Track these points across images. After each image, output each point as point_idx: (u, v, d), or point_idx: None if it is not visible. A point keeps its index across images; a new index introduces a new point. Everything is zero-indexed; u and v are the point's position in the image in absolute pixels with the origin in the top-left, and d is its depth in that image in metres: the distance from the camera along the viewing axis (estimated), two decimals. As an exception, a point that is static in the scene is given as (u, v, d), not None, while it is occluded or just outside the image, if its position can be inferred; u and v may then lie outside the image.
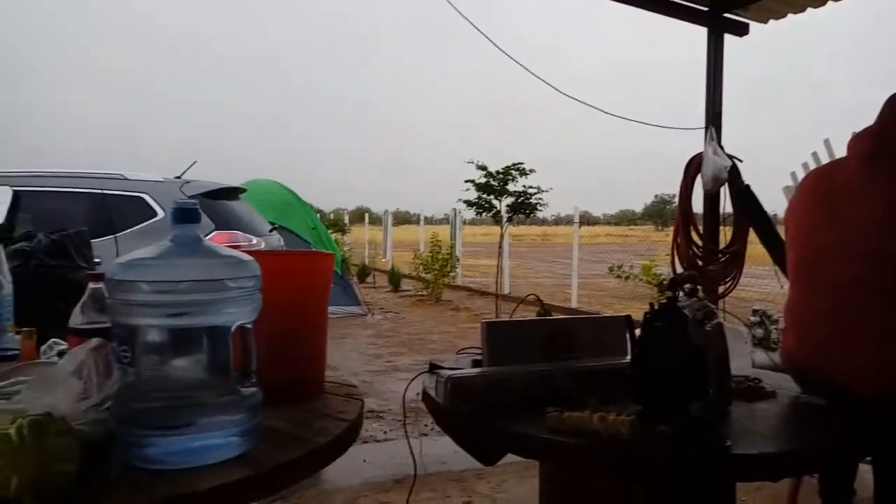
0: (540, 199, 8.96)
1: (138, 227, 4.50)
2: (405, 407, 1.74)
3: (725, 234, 3.96)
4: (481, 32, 4.32)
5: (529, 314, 2.37)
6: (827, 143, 3.47)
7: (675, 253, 3.99)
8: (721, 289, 3.89)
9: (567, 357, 1.50)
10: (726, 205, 3.91)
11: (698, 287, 1.44)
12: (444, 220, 17.84)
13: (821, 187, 1.65)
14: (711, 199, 3.90)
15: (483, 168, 8.84)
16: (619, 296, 11.01)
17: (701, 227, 3.96)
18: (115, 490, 0.84)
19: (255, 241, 4.95)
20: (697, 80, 3.95)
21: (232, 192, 5.48)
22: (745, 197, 3.73)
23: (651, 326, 1.31)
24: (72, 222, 2.46)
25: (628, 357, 1.37)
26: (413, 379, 1.61)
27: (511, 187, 8.89)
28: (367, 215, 23.63)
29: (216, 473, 0.90)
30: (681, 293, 1.39)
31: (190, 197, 4.42)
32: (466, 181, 9.01)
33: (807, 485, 2.41)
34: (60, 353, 1.26)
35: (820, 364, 1.48)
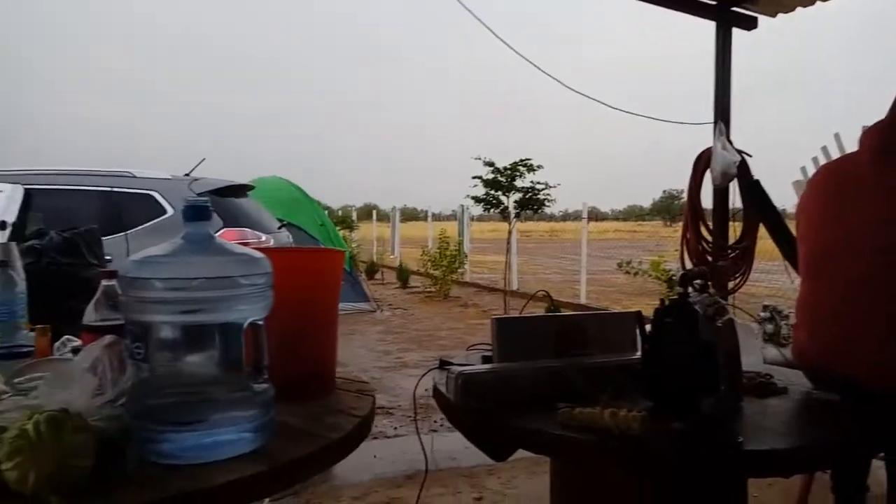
0: (548, 194, 8.95)
1: (148, 224, 4.53)
2: (416, 403, 1.74)
3: (735, 230, 3.94)
4: (488, 28, 4.31)
5: (538, 310, 2.37)
6: (837, 137, 3.45)
7: (684, 248, 3.98)
8: (731, 284, 3.87)
9: (577, 353, 1.50)
10: (736, 200, 3.89)
11: (709, 283, 1.44)
12: (452, 217, 17.85)
13: (831, 182, 1.64)
14: (721, 194, 3.88)
15: (490, 164, 8.84)
16: (627, 292, 10.99)
17: (710, 223, 3.95)
18: (130, 485, 0.85)
19: (264, 238, 4.97)
20: (706, 75, 3.93)
21: (240, 190, 5.51)
22: (754, 192, 3.70)
23: (662, 322, 1.31)
24: (82, 220, 2.48)
25: (638, 353, 1.37)
26: (423, 375, 1.61)
27: (519, 183, 8.88)
28: (374, 212, 23.69)
29: (230, 469, 0.90)
30: (691, 289, 1.39)
31: (199, 194, 4.44)
32: (474, 177, 9.01)
33: (819, 481, 2.40)
34: (74, 350, 1.27)
35: (832, 360, 1.48)
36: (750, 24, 3.91)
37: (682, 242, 4.02)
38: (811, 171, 3.40)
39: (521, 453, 1.37)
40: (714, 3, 3.79)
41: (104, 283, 1.20)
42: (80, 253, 2.01)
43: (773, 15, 3.87)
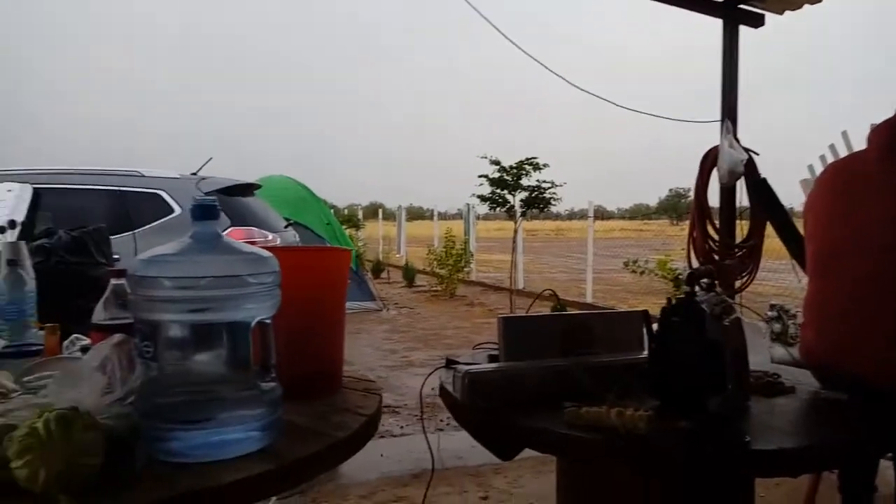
0: (554, 193, 8.95)
1: (156, 223, 4.55)
2: (422, 402, 1.74)
3: (742, 229, 3.93)
4: (493, 25, 4.31)
5: (544, 309, 2.37)
6: (845, 134, 3.43)
7: (690, 247, 3.97)
8: (738, 283, 3.86)
9: (583, 352, 1.50)
10: (743, 198, 3.88)
11: (716, 282, 1.44)
12: (458, 216, 17.84)
13: (839, 180, 1.63)
14: (727, 192, 3.87)
15: (496, 163, 8.83)
16: (633, 291, 10.96)
17: (717, 222, 3.93)
18: (138, 483, 0.86)
19: (270, 237, 4.99)
20: (711, 73, 3.92)
21: (247, 189, 5.52)
22: (761, 190, 3.69)
23: (669, 321, 1.30)
24: (90, 219, 2.49)
25: (645, 352, 1.37)
26: (429, 374, 1.61)
27: (525, 182, 8.88)
28: (380, 211, 23.69)
29: (238, 467, 0.91)
30: (698, 288, 1.39)
31: (206, 194, 4.46)
32: (480, 176, 9.01)
33: (826, 481, 2.39)
34: (83, 349, 1.28)
35: (840, 359, 1.47)
36: (757, 21, 3.89)
37: (688, 241, 4.00)
38: (819, 169, 3.38)
39: (527, 452, 1.38)
40: (721, 0, 3.77)
41: (113, 281, 1.21)
42: (89, 252, 2.02)
43: (781, 12, 3.85)
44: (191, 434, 0.93)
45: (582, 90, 4.53)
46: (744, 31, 3.86)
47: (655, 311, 1.35)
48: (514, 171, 8.79)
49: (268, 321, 1.01)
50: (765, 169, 3.76)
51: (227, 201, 4.79)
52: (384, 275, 14.32)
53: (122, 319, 1.15)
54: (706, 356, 1.26)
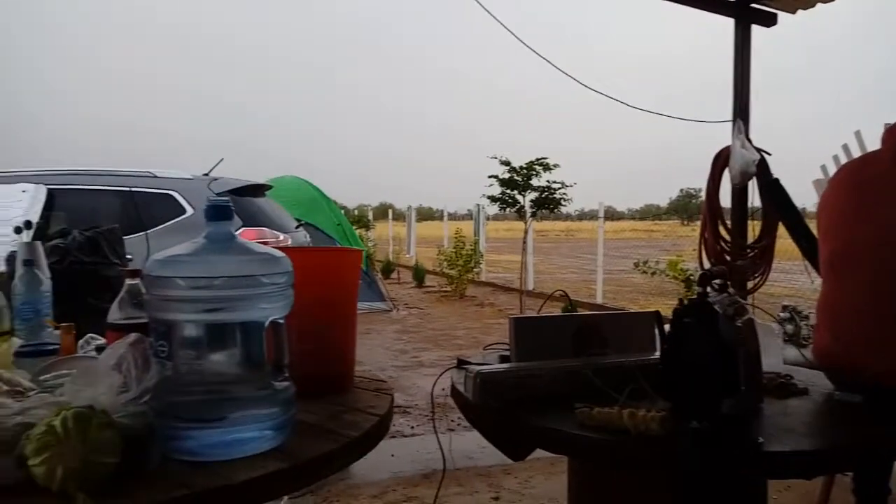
0: (564, 194, 8.93)
1: (168, 223, 4.58)
2: (433, 402, 1.75)
3: (754, 229, 3.90)
4: (504, 27, 4.31)
5: (555, 310, 2.37)
6: (858, 134, 3.40)
7: (702, 248, 3.95)
8: (750, 284, 3.83)
9: (595, 353, 1.49)
10: (755, 198, 3.85)
11: (728, 282, 1.43)
12: (468, 216, 17.85)
13: (853, 180, 1.62)
14: (739, 193, 3.84)
15: (506, 163, 8.83)
16: (644, 291, 10.92)
17: (729, 222, 3.91)
18: (154, 481, 0.86)
19: (282, 237, 5.00)
20: (723, 72, 3.89)
21: (258, 189, 5.55)
22: (773, 190, 3.66)
23: (681, 322, 1.30)
24: (103, 219, 2.52)
25: (657, 353, 1.37)
26: (440, 375, 1.62)
27: (535, 182, 8.86)
28: (390, 211, 23.72)
29: (251, 466, 0.91)
30: (710, 289, 1.38)
31: (218, 194, 4.48)
32: (490, 176, 9.01)
33: (840, 483, 2.38)
34: (99, 348, 1.29)
35: (854, 361, 1.46)
36: (769, 20, 3.87)
37: (700, 242, 3.99)
38: (832, 169, 3.35)
39: (538, 453, 1.37)
40: (733, -1, 3.75)
41: (128, 281, 1.22)
42: (103, 252, 2.04)
43: (793, 11, 3.82)
44: (205, 433, 0.94)
45: (593, 90, 4.52)
46: (756, 30, 3.84)
47: (666, 311, 1.35)
48: (525, 171, 8.78)
49: (281, 321, 1.02)
50: (776, 169, 3.73)
51: (239, 202, 4.81)
52: (394, 275, 14.34)
53: (138, 319, 1.16)
54: (719, 357, 1.25)
